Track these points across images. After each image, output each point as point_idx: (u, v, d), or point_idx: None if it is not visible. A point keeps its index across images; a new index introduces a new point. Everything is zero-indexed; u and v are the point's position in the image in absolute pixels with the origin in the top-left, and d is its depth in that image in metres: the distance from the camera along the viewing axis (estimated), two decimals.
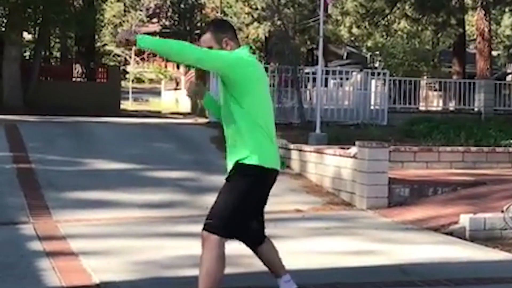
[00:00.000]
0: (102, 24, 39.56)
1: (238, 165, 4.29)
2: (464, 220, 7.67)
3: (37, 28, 25.23)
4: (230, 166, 4.38)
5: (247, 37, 36.76)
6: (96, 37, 33.93)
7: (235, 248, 6.73)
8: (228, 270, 5.84)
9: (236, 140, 4.32)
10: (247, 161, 4.25)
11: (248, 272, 5.85)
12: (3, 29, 22.16)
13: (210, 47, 4.34)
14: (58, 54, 36.84)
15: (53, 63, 34.30)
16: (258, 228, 4.66)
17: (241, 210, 4.28)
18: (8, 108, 19.17)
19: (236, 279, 5.60)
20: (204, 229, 4.25)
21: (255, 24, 34.53)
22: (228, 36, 4.42)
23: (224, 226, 4.23)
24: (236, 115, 4.29)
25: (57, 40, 34.93)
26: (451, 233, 7.67)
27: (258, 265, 6.05)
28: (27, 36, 28.52)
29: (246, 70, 4.29)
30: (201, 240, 4.26)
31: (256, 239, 4.69)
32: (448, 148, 11.79)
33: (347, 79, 17.87)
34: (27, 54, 30.33)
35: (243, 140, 4.29)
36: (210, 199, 9.46)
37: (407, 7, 23.45)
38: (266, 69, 17.39)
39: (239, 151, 4.29)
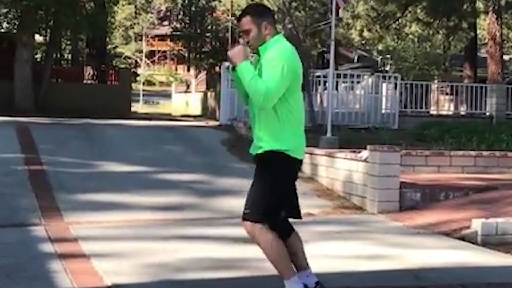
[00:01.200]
0: (113, 26, 39.69)
1: (266, 152, 4.45)
2: (476, 225, 7.63)
3: (48, 31, 25.35)
4: (256, 148, 4.52)
5: None
6: (107, 39, 34.06)
7: (242, 251, 6.73)
8: (236, 274, 5.86)
9: (262, 126, 4.46)
10: (272, 148, 4.46)
11: (257, 275, 5.84)
12: (15, 31, 22.26)
13: (249, 30, 4.41)
14: (69, 57, 37.01)
15: (64, 66, 34.40)
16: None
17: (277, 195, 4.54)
18: (19, 110, 19.27)
19: (245, 283, 5.60)
20: (250, 220, 4.49)
21: None
22: (268, 21, 4.48)
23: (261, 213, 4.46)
24: (280, 110, 4.44)
25: (68, 42, 35.09)
26: (462, 238, 7.63)
27: (266, 269, 6.06)
28: (38, 38, 28.64)
29: (298, 71, 4.50)
30: (249, 232, 4.54)
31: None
32: (460, 153, 11.74)
33: (358, 82, 17.85)
34: (38, 56, 30.48)
35: (270, 129, 4.46)
36: (221, 202, 9.57)
37: (418, 11, 23.45)
38: None
39: (266, 138, 4.47)
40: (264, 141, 4.46)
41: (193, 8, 49.25)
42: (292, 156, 4.48)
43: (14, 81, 21.47)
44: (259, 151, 4.48)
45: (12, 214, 8.26)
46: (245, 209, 4.43)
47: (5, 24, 22.91)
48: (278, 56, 4.38)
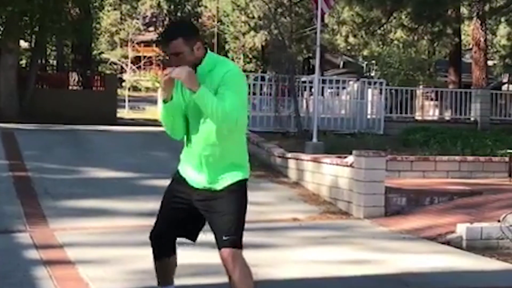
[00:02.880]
0: (99, 32, 39.61)
1: (240, 181, 4.18)
2: (461, 229, 7.68)
3: (33, 36, 25.23)
4: (224, 181, 4.15)
5: (243, 46, 36.90)
6: (93, 45, 33.97)
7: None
8: (224, 279, 5.85)
9: (227, 154, 4.13)
10: (246, 176, 4.22)
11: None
12: (0, 37, 22.16)
13: (181, 53, 4.03)
14: (54, 62, 36.87)
15: (49, 72, 34.29)
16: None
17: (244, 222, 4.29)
18: (4, 116, 19.15)
19: None
20: (232, 247, 4.17)
21: (252, 33, 34.67)
22: (199, 39, 4.12)
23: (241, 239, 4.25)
24: (242, 134, 4.25)
25: (54, 48, 34.94)
26: (448, 243, 7.68)
27: (259, 274, 6.06)
28: (23, 44, 28.51)
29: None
30: (228, 259, 4.18)
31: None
32: (445, 158, 11.81)
33: (343, 88, 17.90)
34: (23, 62, 30.34)
35: (238, 154, 4.19)
36: None
37: (403, 17, 23.54)
38: (263, 78, 17.43)
39: (235, 166, 4.17)
40: (238, 169, 4.17)
41: (179, 14, 49.26)
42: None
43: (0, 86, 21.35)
44: (234, 181, 4.15)
45: None
46: (225, 235, 4.14)
47: None
48: (239, 77, 4.12)
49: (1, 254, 6.61)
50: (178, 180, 4.28)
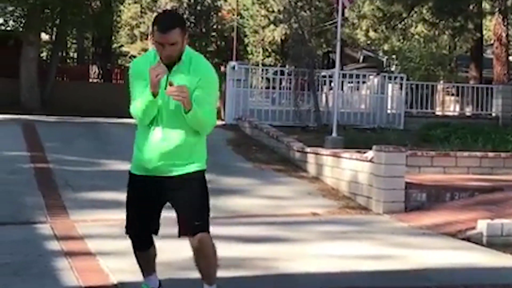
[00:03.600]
0: (119, 25, 39.75)
1: (201, 170, 4.45)
2: (481, 225, 7.63)
3: (54, 29, 25.38)
4: (186, 167, 4.37)
5: (263, 39, 36.84)
6: (113, 38, 34.10)
7: (249, 250, 6.75)
8: (242, 273, 5.87)
9: (189, 145, 4.36)
10: (204, 167, 4.51)
11: (264, 275, 5.85)
12: (21, 29, 22.30)
13: (176, 43, 4.07)
14: (75, 55, 37.07)
15: (70, 64, 34.49)
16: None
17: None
18: (25, 108, 19.30)
19: (252, 282, 5.61)
20: (200, 231, 4.40)
21: (271, 26, 34.63)
22: (187, 31, 4.25)
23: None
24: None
25: (74, 41, 35.13)
26: (468, 239, 7.63)
27: (274, 268, 6.07)
28: (44, 37, 28.69)
29: None
30: (196, 242, 4.43)
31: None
32: (466, 153, 11.73)
33: (363, 82, 17.84)
34: (44, 54, 30.53)
35: (200, 146, 4.47)
36: (226, 201, 9.57)
37: (424, 11, 23.42)
38: (282, 72, 17.39)
39: (197, 156, 4.44)
40: (196, 159, 4.43)
41: (198, 8, 49.25)
42: None
43: (20, 79, 21.50)
44: (193, 170, 4.40)
45: (18, 212, 8.27)
46: (195, 221, 4.39)
47: (11, 23, 22.93)
48: (215, 80, 4.32)
49: (23, 245, 6.67)
50: (138, 176, 4.44)
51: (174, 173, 4.35)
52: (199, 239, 4.39)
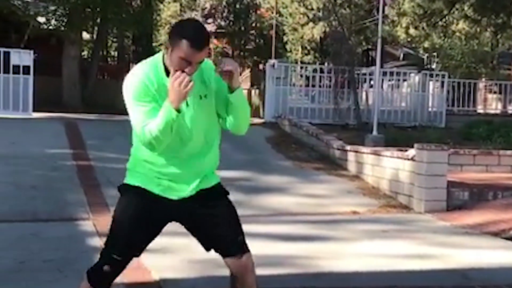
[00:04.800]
0: (159, 24, 39.99)
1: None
2: None
3: (95, 28, 25.65)
4: (213, 179, 3.70)
5: (302, 37, 36.73)
6: (153, 36, 34.34)
7: (289, 248, 6.74)
8: (283, 271, 5.86)
9: (214, 157, 3.72)
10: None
11: (304, 273, 5.84)
12: (63, 28, 22.57)
13: (202, 62, 3.40)
14: (115, 54, 37.39)
15: (110, 63, 34.81)
16: None
17: None
18: (67, 106, 19.55)
19: (292, 280, 5.60)
20: (247, 248, 3.72)
21: (310, 24, 34.48)
22: None
23: None
24: (218, 131, 3.74)
25: (115, 39, 35.44)
26: (511, 238, 7.52)
27: (314, 266, 6.05)
28: (85, 35, 29.01)
29: None
30: (249, 261, 3.72)
31: None
32: (509, 152, 11.54)
33: (404, 80, 17.70)
34: (85, 53, 30.86)
35: (216, 159, 3.78)
36: (266, 199, 9.57)
37: (466, 8, 23.11)
38: (322, 70, 17.33)
39: (214, 168, 3.75)
40: (215, 170, 3.77)
41: (237, 6, 49.31)
42: None
43: (62, 78, 21.77)
44: (219, 180, 3.74)
45: (60, 209, 8.38)
46: (243, 238, 3.70)
47: (53, 22, 23.19)
48: None
49: (66, 241, 6.76)
50: (149, 196, 3.58)
51: (205, 186, 3.67)
52: (250, 256, 3.70)
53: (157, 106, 3.39)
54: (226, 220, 3.68)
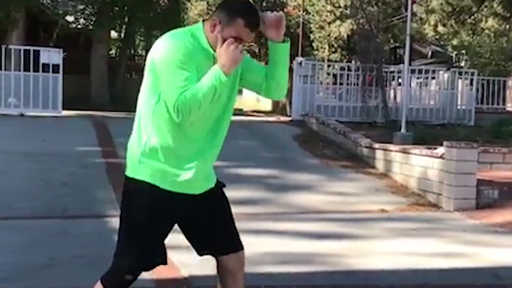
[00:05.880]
0: (186, 22, 40.13)
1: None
2: None
3: (123, 27, 25.80)
4: (213, 176, 3.48)
5: (329, 35, 36.61)
6: None
7: (317, 246, 6.73)
8: (312, 268, 5.86)
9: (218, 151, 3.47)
10: None
11: (333, 270, 5.83)
12: (91, 27, 22.75)
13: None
14: (143, 53, 37.56)
15: (138, 61, 34.99)
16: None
17: None
18: (95, 104, 19.69)
19: (321, 277, 5.59)
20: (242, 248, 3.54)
21: (337, 22, 34.37)
22: None
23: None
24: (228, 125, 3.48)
25: (142, 38, 35.60)
26: None
27: (342, 264, 6.04)
28: (113, 34, 29.20)
29: None
30: (243, 259, 3.55)
31: None
32: None
33: (433, 78, 17.58)
34: (113, 52, 31.06)
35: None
36: (293, 197, 9.57)
37: (495, 5, 22.87)
38: (349, 68, 17.27)
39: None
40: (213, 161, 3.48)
41: (264, 4, 49.38)
42: None
43: (91, 76, 21.95)
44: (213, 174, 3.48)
45: (90, 206, 8.45)
46: (239, 238, 3.52)
47: (82, 20, 23.40)
48: None
49: (96, 237, 6.81)
50: (164, 194, 3.27)
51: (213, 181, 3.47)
52: (243, 254, 3.53)
53: (196, 77, 3.14)
54: (228, 216, 3.50)
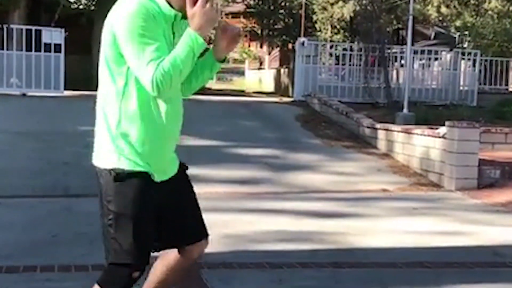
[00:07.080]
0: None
1: None
2: None
3: None
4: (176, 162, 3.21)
5: (331, 16, 36.45)
6: None
7: (319, 225, 6.76)
8: (313, 246, 5.88)
9: None
10: None
11: (334, 248, 5.85)
12: (93, 8, 22.69)
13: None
14: None
15: None
16: None
17: None
18: (97, 85, 19.65)
19: (323, 255, 5.62)
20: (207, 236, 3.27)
21: (340, 3, 34.23)
22: None
23: None
24: None
25: None
26: None
27: (343, 242, 6.06)
28: None
29: None
30: (205, 248, 3.31)
31: None
32: None
33: (435, 59, 17.52)
34: None
35: None
36: (295, 177, 9.58)
37: None
38: (352, 49, 17.20)
39: None
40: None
41: None
42: None
43: (92, 57, 21.88)
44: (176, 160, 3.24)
45: (92, 185, 8.39)
46: (204, 227, 3.26)
47: (83, 1, 23.34)
48: None
49: (98, 216, 6.81)
50: (146, 179, 2.98)
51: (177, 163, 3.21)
52: (207, 242, 3.29)
53: (165, 44, 2.82)
54: (195, 202, 3.22)
